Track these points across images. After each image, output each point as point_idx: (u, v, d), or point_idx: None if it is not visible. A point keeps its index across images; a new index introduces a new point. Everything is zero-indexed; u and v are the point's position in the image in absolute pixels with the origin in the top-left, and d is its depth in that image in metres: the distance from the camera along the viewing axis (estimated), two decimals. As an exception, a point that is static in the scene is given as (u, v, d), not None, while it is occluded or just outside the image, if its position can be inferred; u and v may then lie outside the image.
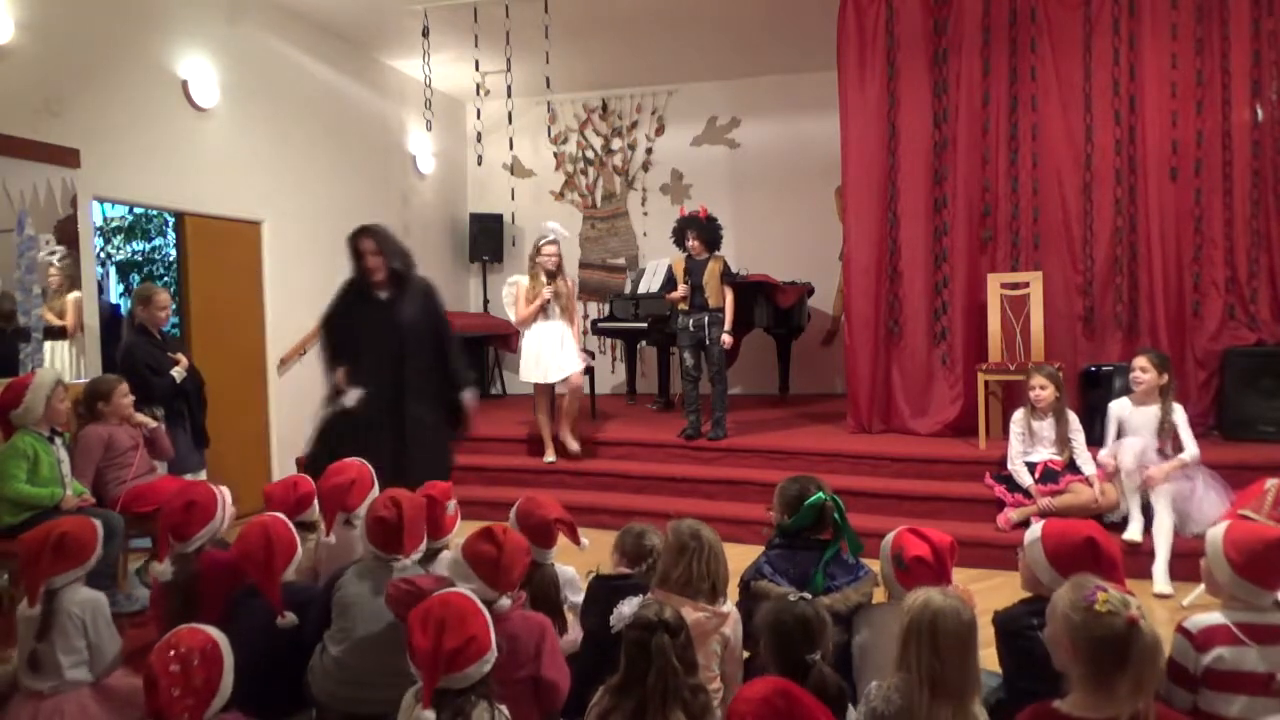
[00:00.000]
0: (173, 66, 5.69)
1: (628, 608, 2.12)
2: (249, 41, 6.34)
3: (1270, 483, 3.87)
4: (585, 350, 6.51)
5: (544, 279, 6.00)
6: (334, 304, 4.70)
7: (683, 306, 6.08)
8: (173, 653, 2.00)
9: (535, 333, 6.06)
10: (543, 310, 6.01)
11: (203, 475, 4.84)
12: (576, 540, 3.01)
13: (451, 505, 3.17)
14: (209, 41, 5.95)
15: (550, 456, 6.20)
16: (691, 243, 6.00)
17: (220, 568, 2.90)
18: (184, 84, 5.76)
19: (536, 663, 2.38)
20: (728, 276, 6.02)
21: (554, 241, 6.05)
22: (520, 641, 2.38)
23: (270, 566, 2.71)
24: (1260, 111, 5.63)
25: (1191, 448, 4.53)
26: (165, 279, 8.13)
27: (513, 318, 6.19)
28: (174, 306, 5.53)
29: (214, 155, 6.03)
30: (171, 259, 7.90)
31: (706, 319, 5.96)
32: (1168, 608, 4.03)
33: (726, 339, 5.98)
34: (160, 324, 4.92)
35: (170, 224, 7.63)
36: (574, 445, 6.16)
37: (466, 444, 6.70)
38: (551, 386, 6.09)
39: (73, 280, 4.96)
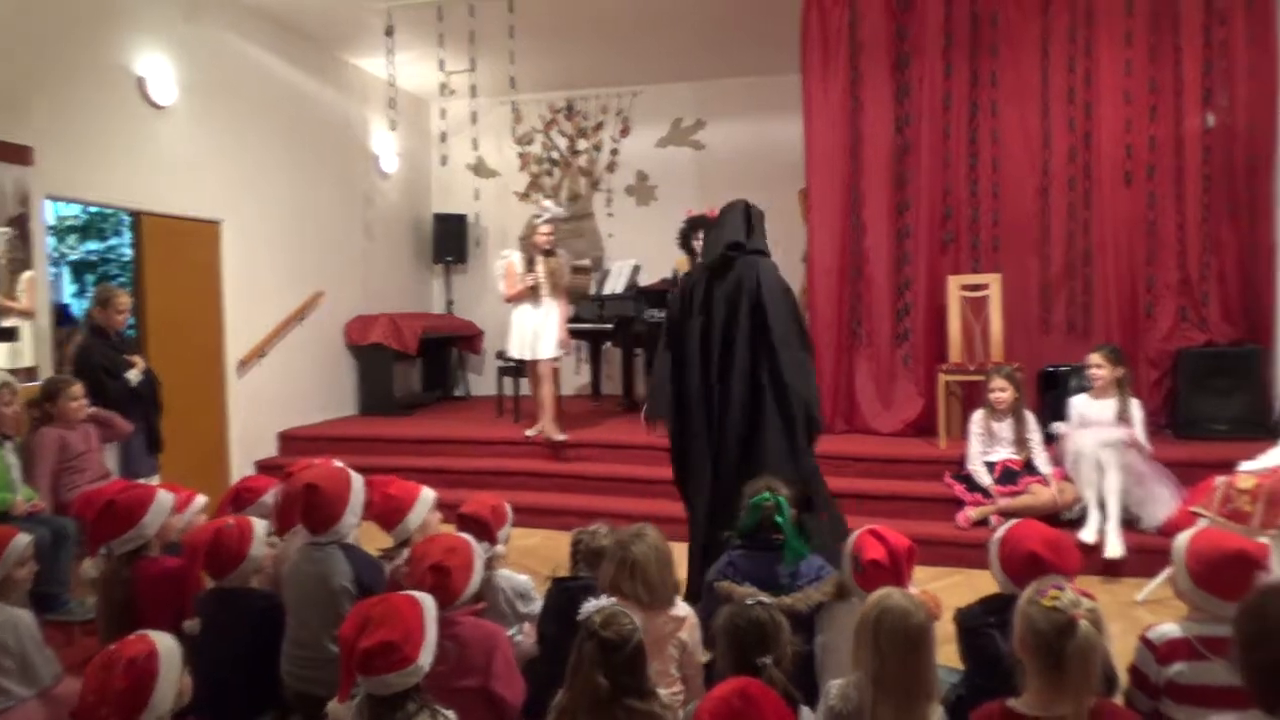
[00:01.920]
0: (129, 63, 5.58)
1: (590, 606, 2.11)
2: (208, 39, 6.25)
3: (1219, 480, 3.97)
4: (570, 337, 6.75)
5: (532, 262, 6.17)
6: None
7: None
8: (101, 661, 1.95)
9: (523, 313, 6.26)
10: (534, 291, 6.16)
11: (156, 480, 4.74)
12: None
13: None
14: (167, 38, 5.85)
15: (531, 431, 6.40)
16: (701, 243, 6.02)
17: (161, 573, 2.86)
18: (141, 81, 5.66)
19: (486, 674, 2.35)
20: None
21: (550, 220, 6.25)
22: (469, 649, 2.36)
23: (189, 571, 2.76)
24: (1211, 118, 5.77)
25: (1143, 441, 4.66)
26: (121, 279, 7.99)
27: (502, 290, 6.40)
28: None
29: (172, 154, 5.93)
30: (127, 259, 7.76)
31: None
32: (1120, 601, 4.11)
33: None
34: (118, 326, 4.83)
35: (126, 223, 7.50)
36: (558, 435, 6.30)
37: (429, 447, 6.72)
38: (536, 365, 6.34)
39: (23, 261, 4.80)
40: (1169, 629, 2.26)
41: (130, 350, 4.92)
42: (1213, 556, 2.28)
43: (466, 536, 2.70)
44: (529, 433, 6.43)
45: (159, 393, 4.95)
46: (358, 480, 3.01)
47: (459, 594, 2.46)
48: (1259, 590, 1.83)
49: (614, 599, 2.26)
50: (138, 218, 5.78)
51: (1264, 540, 3.58)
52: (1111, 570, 4.47)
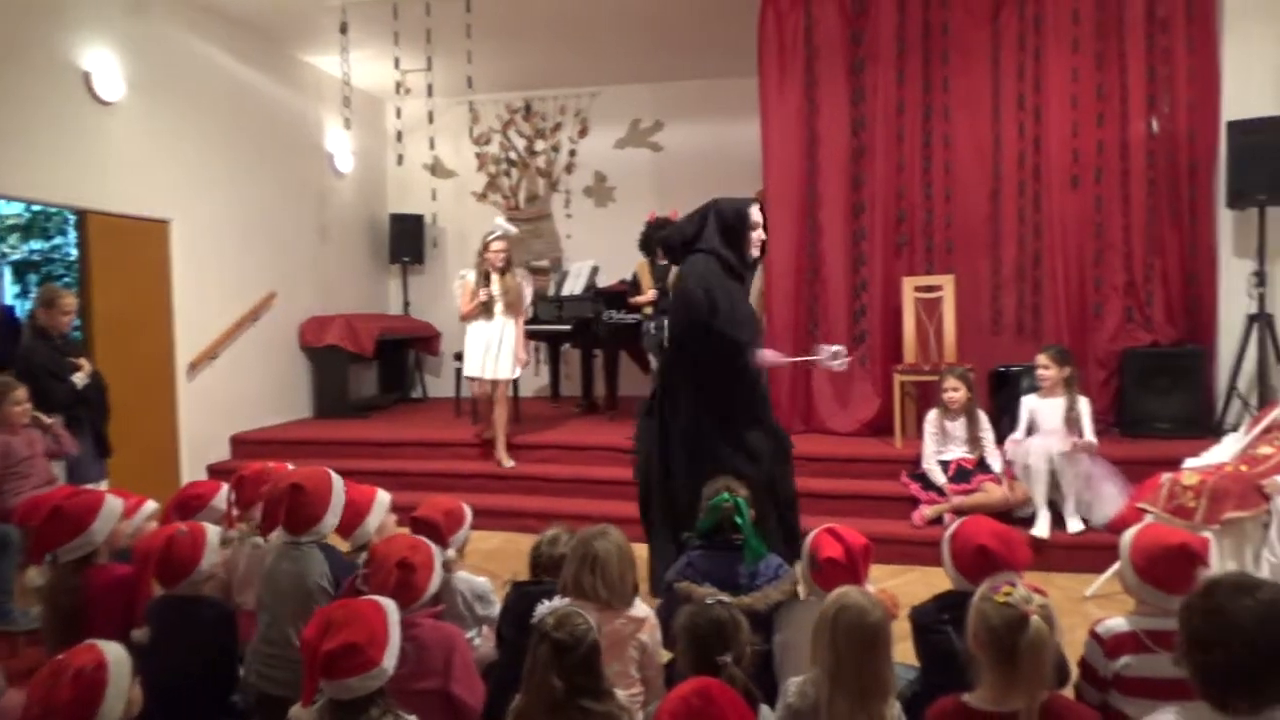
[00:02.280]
0: (75, 58, 5.45)
1: (544, 608, 2.11)
2: (156, 34, 6.12)
3: (1165, 477, 4.07)
4: (525, 352, 6.51)
5: (488, 277, 5.99)
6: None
7: (648, 311, 6.15)
8: (49, 671, 1.91)
9: (477, 330, 6.05)
10: (486, 308, 5.99)
11: (104, 485, 4.63)
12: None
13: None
14: (113, 33, 5.72)
15: (489, 434, 6.27)
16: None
17: (112, 581, 2.80)
18: (86, 76, 5.53)
19: (445, 676, 2.34)
20: None
21: (502, 238, 6.05)
22: (428, 651, 2.34)
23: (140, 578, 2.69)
24: (1155, 123, 5.92)
25: (1089, 436, 4.77)
26: (66, 279, 7.80)
27: (460, 309, 6.23)
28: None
29: (119, 151, 5.80)
30: (72, 259, 7.58)
31: None
32: (1071, 597, 4.20)
33: None
34: (63, 328, 4.70)
35: (71, 222, 7.32)
36: (507, 462, 6.13)
37: (387, 449, 6.65)
38: (489, 384, 6.10)
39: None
40: (1116, 623, 2.31)
41: (75, 353, 4.81)
42: (1155, 551, 2.34)
43: (423, 537, 2.69)
44: (488, 435, 6.34)
45: (106, 396, 4.83)
46: (338, 481, 3.00)
47: (423, 592, 2.47)
48: (1209, 587, 1.83)
49: (569, 600, 2.25)
50: (83, 216, 5.65)
51: (1206, 535, 3.71)
52: (1061, 565, 4.57)
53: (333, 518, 2.93)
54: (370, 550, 2.56)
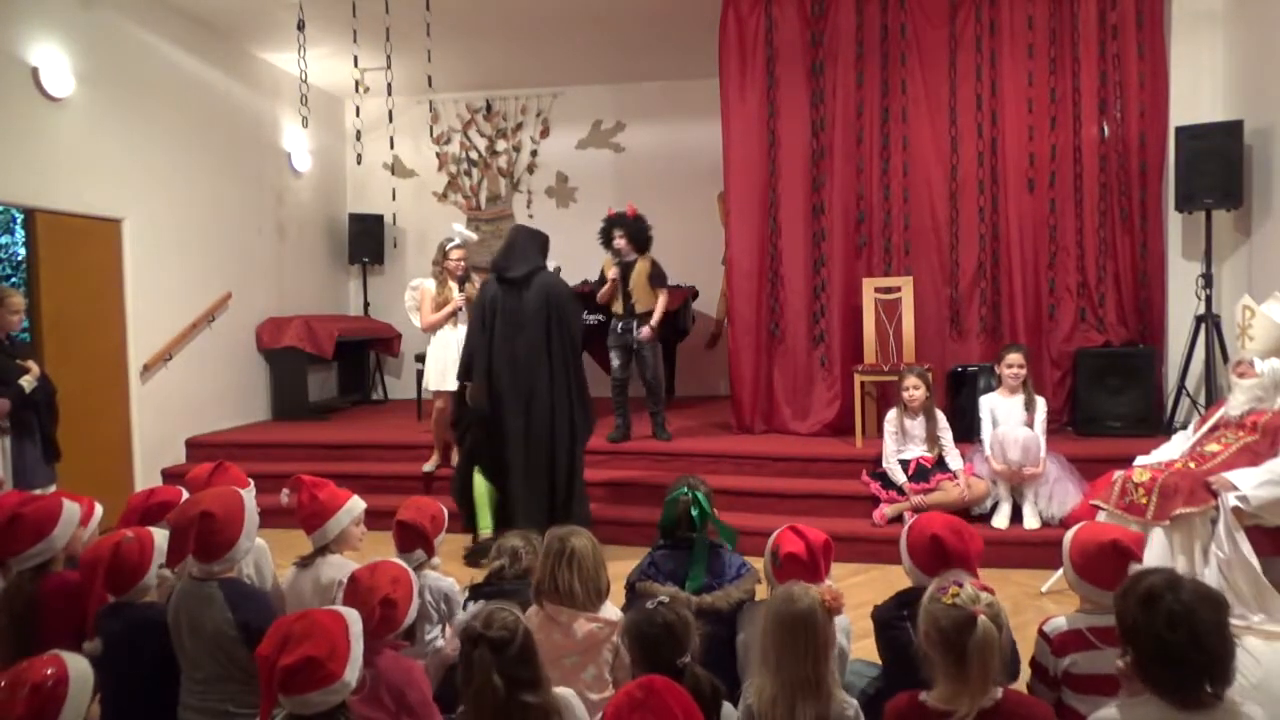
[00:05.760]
0: (20, 53, 5.32)
1: (465, 614, 2.07)
2: (107, 28, 5.99)
3: (1117, 474, 4.16)
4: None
5: (453, 285, 5.84)
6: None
7: (615, 309, 6.06)
8: (7, 682, 1.83)
9: (444, 340, 5.84)
10: (453, 317, 5.83)
11: (51, 490, 4.52)
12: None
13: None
14: (61, 27, 5.59)
15: (431, 465, 6.03)
16: (619, 242, 5.98)
17: (63, 587, 2.71)
18: (34, 71, 5.39)
19: (396, 716, 2.21)
20: (657, 280, 6.01)
21: (460, 246, 5.91)
22: (383, 682, 2.24)
23: (88, 587, 2.57)
24: (1106, 128, 6.05)
25: (1040, 433, 4.89)
26: (13, 280, 7.61)
27: (417, 323, 6.01)
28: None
29: (69, 148, 5.66)
30: (20, 258, 7.40)
31: (635, 322, 5.98)
32: (1027, 593, 4.27)
33: (646, 331, 5.95)
34: (11, 329, 4.58)
35: (19, 221, 7.14)
36: None
37: (346, 452, 6.56)
38: (450, 394, 5.80)
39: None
40: (1061, 621, 2.34)
41: (23, 355, 4.68)
42: (1090, 549, 2.37)
43: (404, 564, 2.58)
44: (428, 467, 6.05)
45: (55, 400, 4.71)
46: (250, 501, 2.77)
47: (400, 625, 2.40)
48: (1131, 585, 1.87)
49: (508, 606, 2.21)
50: (31, 215, 5.51)
51: (1152, 530, 3.80)
52: (1018, 561, 4.64)
53: (248, 540, 2.69)
54: (351, 579, 2.46)
